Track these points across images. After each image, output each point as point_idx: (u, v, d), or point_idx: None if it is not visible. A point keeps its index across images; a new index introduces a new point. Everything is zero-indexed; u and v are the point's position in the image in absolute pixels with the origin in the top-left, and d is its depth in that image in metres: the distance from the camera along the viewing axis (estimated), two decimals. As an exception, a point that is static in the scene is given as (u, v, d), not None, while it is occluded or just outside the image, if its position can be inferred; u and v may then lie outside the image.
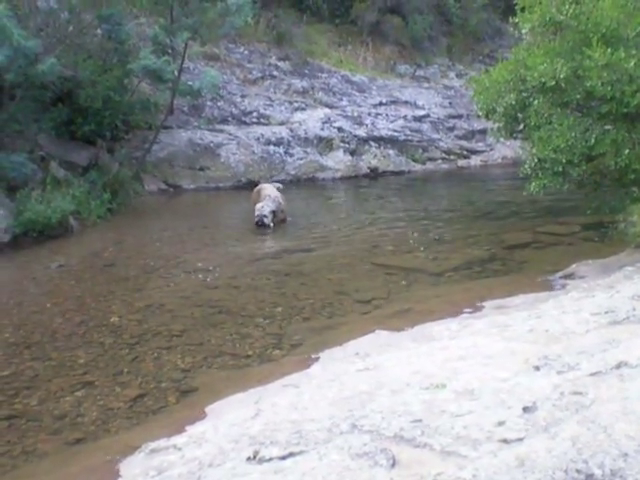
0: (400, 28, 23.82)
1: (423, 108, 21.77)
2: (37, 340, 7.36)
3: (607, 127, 8.63)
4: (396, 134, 20.42)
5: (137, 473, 4.07)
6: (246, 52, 20.92)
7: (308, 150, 18.81)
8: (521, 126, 9.93)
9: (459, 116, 22.09)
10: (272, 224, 12.25)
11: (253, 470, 3.39)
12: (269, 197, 12.60)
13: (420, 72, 23.69)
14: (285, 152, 18.46)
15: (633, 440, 2.97)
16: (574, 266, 8.64)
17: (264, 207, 12.30)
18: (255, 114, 19.20)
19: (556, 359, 4.29)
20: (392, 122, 20.76)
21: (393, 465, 3.15)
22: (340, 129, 19.67)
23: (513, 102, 9.30)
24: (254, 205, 12.60)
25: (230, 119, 18.83)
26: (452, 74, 24.24)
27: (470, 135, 21.70)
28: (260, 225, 12.18)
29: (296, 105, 20.01)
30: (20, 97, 13.12)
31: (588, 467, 2.82)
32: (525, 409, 3.51)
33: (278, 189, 13.46)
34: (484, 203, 14.91)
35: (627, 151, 8.28)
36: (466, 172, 20.31)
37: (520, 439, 3.19)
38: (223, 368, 6.56)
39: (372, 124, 20.33)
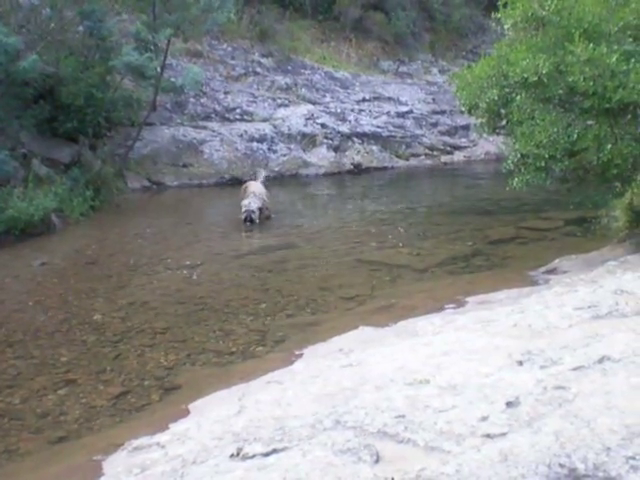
0: (383, 24, 23.84)
1: (406, 104, 21.76)
2: (19, 338, 7.33)
3: (589, 122, 8.65)
4: (379, 130, 20.40)
5: (120, 471, 4.06)
6: (229, 48, 20.85)
7: (291, 146, 18.76)
8: (504, 122, 9.93)
9: (442, 112, 22.06)
10: (257, 220, 12.26)
11: (236, 467, 3.39)
12: (253, 194, 12.59)
13: (403, 68, 23.70)
14: (268, 148, 18.40)
15: (616, 434, 2.98)
16: (557, 261, 8.67)
17: (251, 203, 12.31)
18: (238, 110, 19.13)
19: (539, 354, 4.31)
20: (375, 118, 20.74)
21: (377, 461, 3.15)
22: (323, 125, 19.61)
23: (495, 98, 9.28)
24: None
25: (213, 116, 18.76)
26: (435, 70, 24.23)
27: (453, 131, 21.70)
28: (249, 221, 12.19)
29: (279, 101, 19.95)
30: (1, 94, 13.01)
31: (571, 461, 2.83)
32: (508, 404, 3.52)
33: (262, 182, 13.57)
34: (467, 199, 14.94)
35: (609, 146, 8.29)
36: (449, 168, 20.32)
37: (503, 434, 3.20)
38: (206, 365, 6.55)
39: (355, 120, 20.30)
